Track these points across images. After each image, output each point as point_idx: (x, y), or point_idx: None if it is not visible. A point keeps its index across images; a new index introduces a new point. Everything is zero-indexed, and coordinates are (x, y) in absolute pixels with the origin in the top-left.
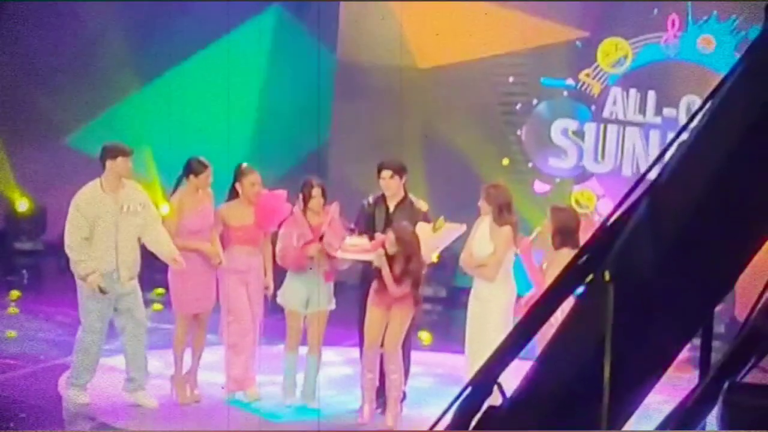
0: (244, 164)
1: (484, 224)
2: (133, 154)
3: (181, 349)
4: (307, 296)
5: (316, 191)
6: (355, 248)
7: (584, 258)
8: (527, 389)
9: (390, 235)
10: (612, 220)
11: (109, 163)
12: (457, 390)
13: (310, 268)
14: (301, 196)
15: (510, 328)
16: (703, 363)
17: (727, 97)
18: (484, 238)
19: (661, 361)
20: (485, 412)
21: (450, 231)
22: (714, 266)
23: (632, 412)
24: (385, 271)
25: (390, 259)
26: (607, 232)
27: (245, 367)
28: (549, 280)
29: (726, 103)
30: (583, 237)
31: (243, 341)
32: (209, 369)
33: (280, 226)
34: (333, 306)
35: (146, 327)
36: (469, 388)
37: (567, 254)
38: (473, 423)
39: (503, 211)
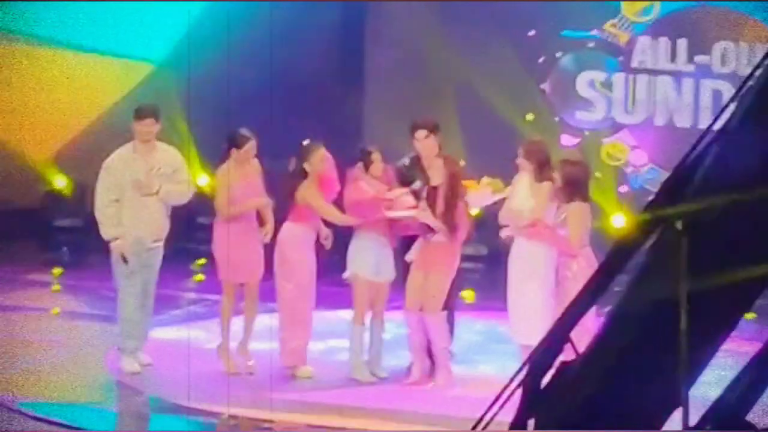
0: (308, 141)
1: (523, 181)
2: (159, 116)
3: (227, 318)
4: (377, 264)
5: (375, 156)
6: (400, 205)
7: (652, 210)
8: (600, 343)
9: (437, 162)
10: (679, 170)
11: (136, 125)
12: (502, 347)
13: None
14: (360, 163)
15: (551, 285)
16: None
17: None
18: (523, 195)
19: (738, 307)
20: (558, 368)
21: (501, 194)
22: None
23: (708, 361)
24: (432, 221)
25: (432, 204)
26: (675, 182)
27: (302, 340)
28: (569, 234)
29: None
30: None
31: (303, 311)
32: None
33: (339, 194)
34: (394, 275)
35: (153, 299)
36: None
37: (577, 207)
38: (547, 379)
39: (543, 168)
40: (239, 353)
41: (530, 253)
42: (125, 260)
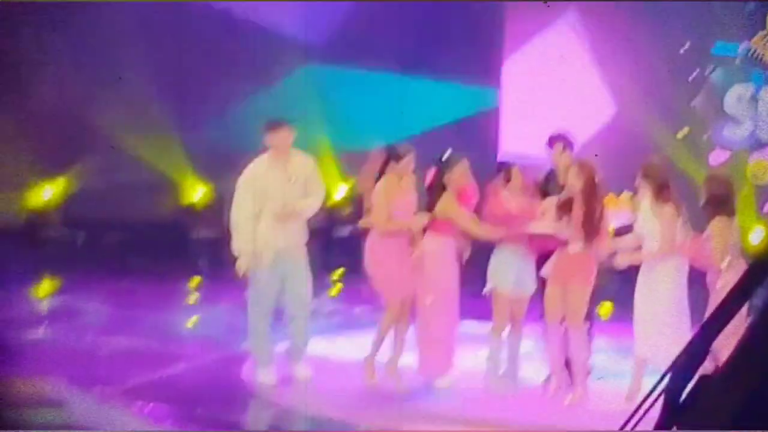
0: (449, 152)
1: (645, 202)
2: (291, 127)
3: (385, 332)
4: (517, 278)
5: (516, 171)
6: (544, 220)
7: None
8: (742, 355)
9: (573, 171)
10: None
11: (270, 137)
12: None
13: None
14: (501, 176)
15: (681, 301)
16: None
17: None
18: (647, 217)
19: None
20: (698, 381)
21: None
22: None
23: None
24: (571, 235)
25: (571, 214)
26: None
27: (441, 351)
28: (713, 249)
29: None
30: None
31: (442, 323)
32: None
33: (475, 208)
34: (534, 289)
35: (310, 308)
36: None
37: (721, 222)
38: (685, 393)
39: (663, 189)
40: (388, 370)
41: (662, 269)
42: (247, 278)
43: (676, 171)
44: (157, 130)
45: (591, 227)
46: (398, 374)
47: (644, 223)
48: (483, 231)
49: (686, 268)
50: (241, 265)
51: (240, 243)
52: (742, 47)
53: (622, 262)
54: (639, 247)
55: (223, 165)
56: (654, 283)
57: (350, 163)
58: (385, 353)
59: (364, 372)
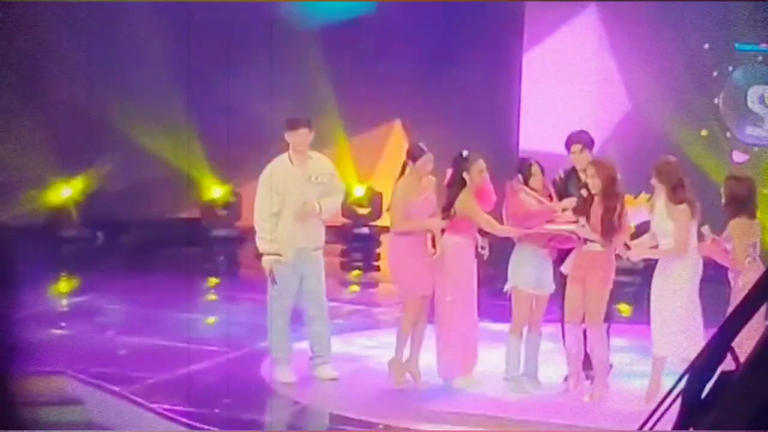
0: (467, 151)
1: (660, 202)
2: (312, 125)
3: (407, 332)
4: (537, 277)
5: (535, 169)
6: (562, 219)
7: None
8: (762, 354)
9: (591, 170)
10: None
11: (290, 136)
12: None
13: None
14: (520, 175)
15: (696, 299)
16: None
17: None
18: (661, 217)
19: None
20: (719, 378)
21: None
22: None
23: None
24: (590, 235)
25: (591, 212)
26: None
27: (459, 351)
28: (734, 249)
29: None
30: None
31: (461, 323)
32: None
33: (494, 207)
34: (554, 288)
35: (327, 308)
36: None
37: (741, 223)
38: (706, 390)
39: (677, 189)
40: (408, 369)
41: (674, 270)
42: (272, 277)
43: (697, 170)
44: (176, 128)
45: (610, 226)
46: (417, 374)
47: (659, 223)
48: (501, 229)
49: (700, 267)
50: (266, 263)
51: (263, 242)
52: (763, 46)
53: (635, 254)
54: (655, 247)
55: (242, 163)
56: (669, 281)
57: (365, 157)
58: (404, 353)
59: (392, 373)
